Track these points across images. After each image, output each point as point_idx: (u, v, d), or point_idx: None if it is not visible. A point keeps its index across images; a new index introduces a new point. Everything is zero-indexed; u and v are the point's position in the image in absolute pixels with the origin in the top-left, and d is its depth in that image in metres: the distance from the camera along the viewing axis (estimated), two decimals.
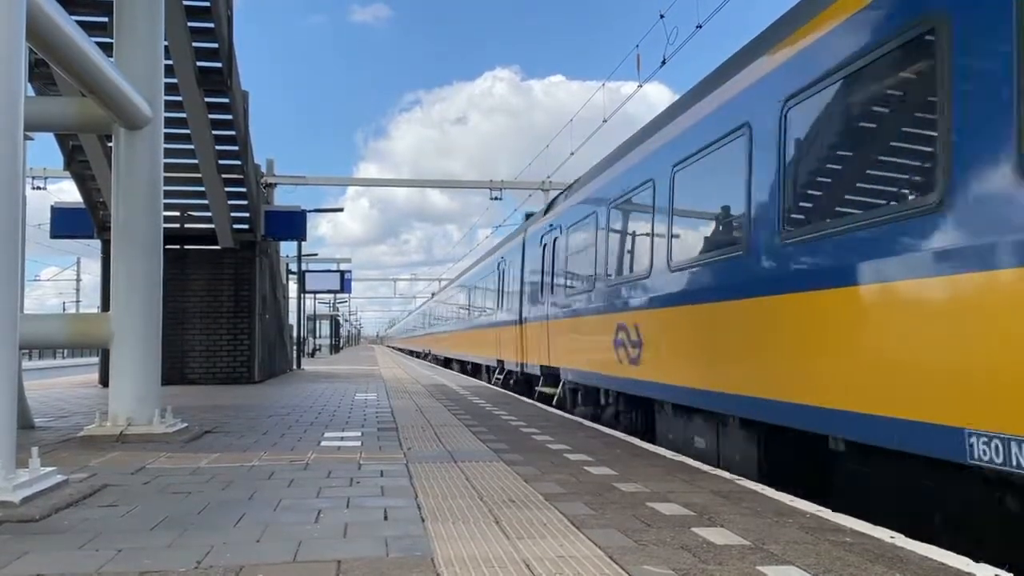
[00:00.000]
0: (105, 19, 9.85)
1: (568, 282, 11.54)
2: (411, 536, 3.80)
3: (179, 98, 11.44)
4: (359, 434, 7.82)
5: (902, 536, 3.88)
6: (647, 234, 8.21)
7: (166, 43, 9.23)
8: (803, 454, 5.66)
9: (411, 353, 57.07)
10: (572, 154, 22.40)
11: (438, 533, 3.86)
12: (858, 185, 5.11)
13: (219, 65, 11.58)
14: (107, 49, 7.56)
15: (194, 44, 11.18)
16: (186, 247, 15.80)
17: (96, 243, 15.99)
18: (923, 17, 4.30)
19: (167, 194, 10.00)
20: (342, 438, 7.52)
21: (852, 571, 3.27)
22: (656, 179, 8.02)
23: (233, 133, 13.20)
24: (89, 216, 15.04)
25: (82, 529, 3.96)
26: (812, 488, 5.44)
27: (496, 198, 28.40)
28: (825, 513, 4.39)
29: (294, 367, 24.71)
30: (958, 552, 3.60)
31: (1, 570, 3.25)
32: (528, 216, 16.43)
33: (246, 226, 15.99)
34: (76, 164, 13.75)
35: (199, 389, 14.28)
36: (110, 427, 7.37)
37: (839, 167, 5.34)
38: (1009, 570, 3.37)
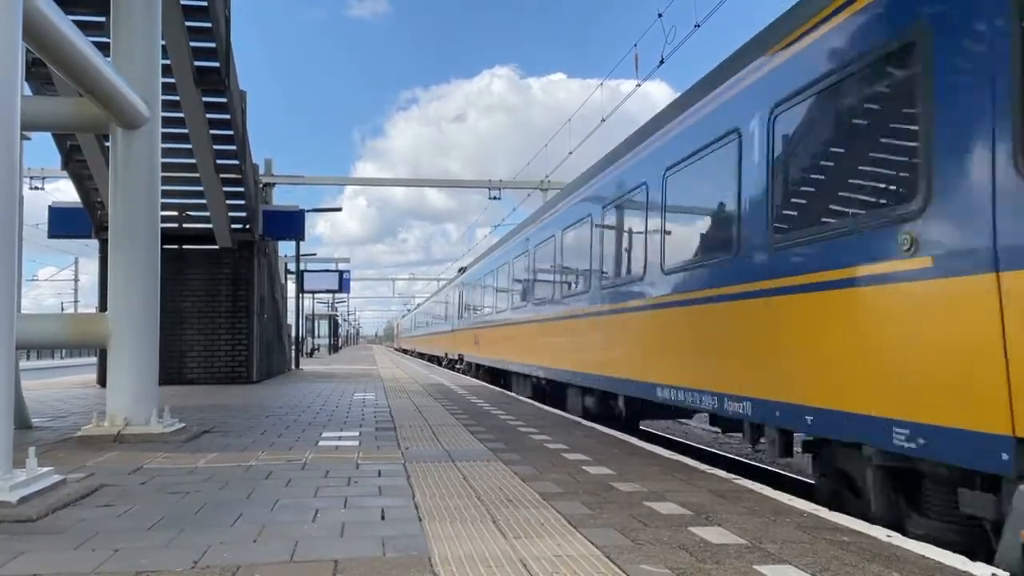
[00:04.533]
0: (102, 18, 9.82)
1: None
2: (408, 535, 3.80)
3: (176, 98, 11.42)
4: (357, 434, 7.82)
5: (898, 535, 3.89)
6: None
7: (163, 42, 9.21)
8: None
9: (403, 351, 59.41)
10: (571, 153, 22.40)
11: (435, 532, 3.86)
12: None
13: (216, 64, 11.56)
14: (104, 48, 7.54)
15: (191, 43, 11.16)
16: (184, 247, 15.77)
17: (94, 243, 15.97)
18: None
19: (165, 194, 10.00)
20: (340, 438, 7.52)
21: (849, 570, 3.27)
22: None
23: (231, 133, 13.17)
24: (87, 216, 15.03)
25: (79, 529, 3.96)
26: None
27: (495, 198, 28.41)
28: (822, 512, 4.39)
29: (292, 367, 24.69)
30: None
31: None
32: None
33: (244, 226, 15.98)
34: (74, 164, 13.73)
35: (197, 389, 14.27)
36: (108, 427, 7.36)
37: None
38: (1005, 570, 3.38)
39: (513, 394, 14.09)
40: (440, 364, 31.60)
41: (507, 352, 16.13)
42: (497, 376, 18.90)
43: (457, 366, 25.93)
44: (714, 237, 6.81)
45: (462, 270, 28.22)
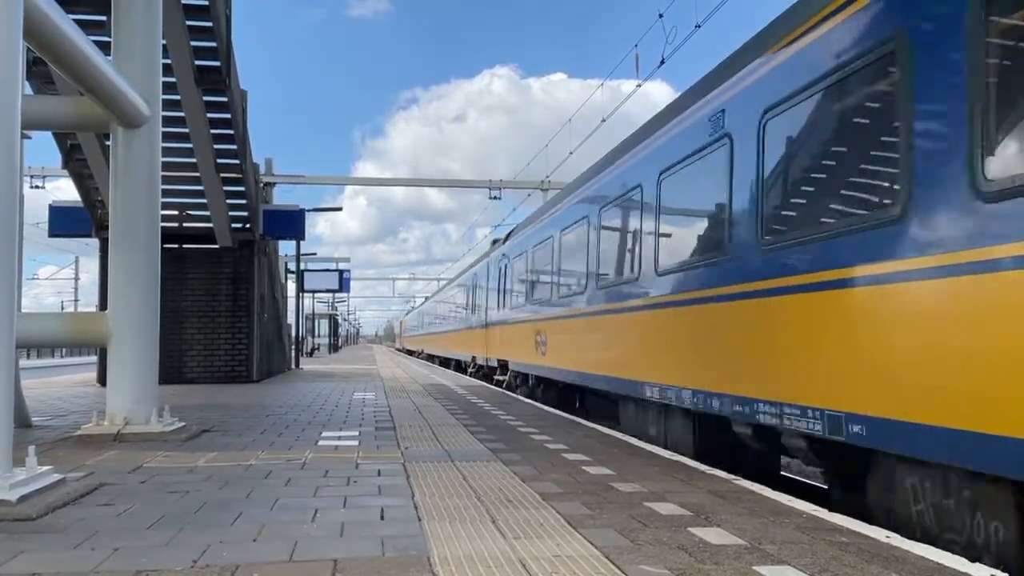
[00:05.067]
0: (103, 18, 9.83)
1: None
2: (408, 535, 3.80)
3: (177, 97, 11.42)
4: (356, 433, 7.82)
5: (898, 536, 3.89)
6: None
7: (164, 42, 9.21)
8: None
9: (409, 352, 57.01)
10: (571, 153, 22.38)
11: (434, 532, 3.86)
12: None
13: (217, 64, 11.56)
14: (105, 48, 7.55)
15: (192, 43, 11.16)
16: (184, 246, 15.78)
17: (94, 242, 15.98)
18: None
19: (165, 193, 10.00)
20: (339, 437, 7.52)
21: (848, 571, 3.27)
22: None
23: (231, 132, 13.18)
24: (87, 215, 15.04)
25: (79, 528, 3.96)
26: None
27: (495, 197, 28.43)
28: (821, 513, 4.39)
29: (292, 366, 24.69)
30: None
31: None
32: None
33: (244, 225, 15.99)
34: (74, 163, 13.74)
35: (197, 388, 14.27)
36: (107, 426, 7.37)
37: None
38: (1004, 570, 3.38)
39: (518, 396, 14.03)
40: (464, 371, 23.14)
41: (625, 360, 8.65)
42: (576, 399, 12.02)
43: (497, 377, 17.29)
44: None
45: (500, 242, 19.61)
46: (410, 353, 54.34)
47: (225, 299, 15.92)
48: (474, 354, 21.22)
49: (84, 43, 6.32)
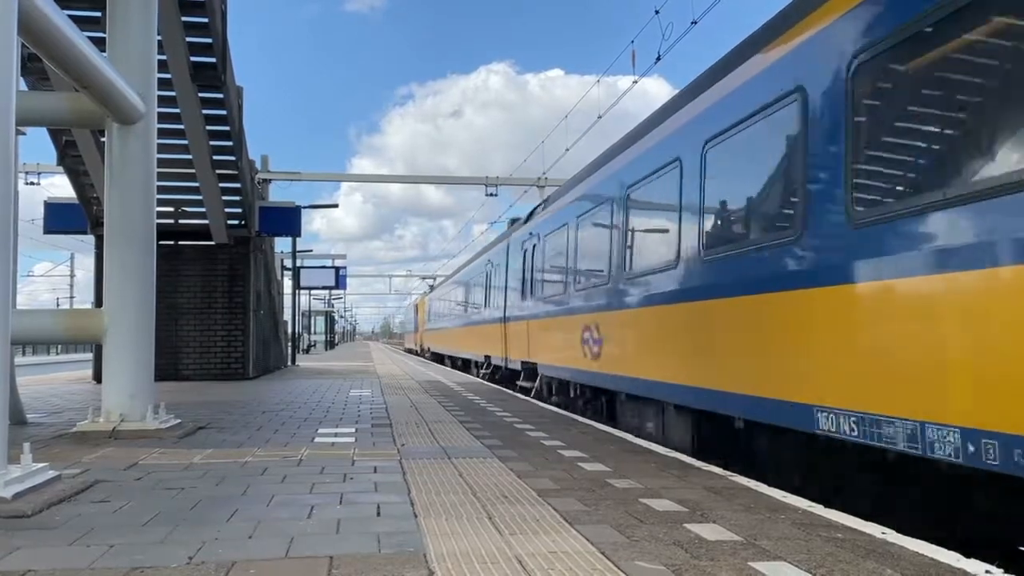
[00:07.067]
0: (99, 14, 9.79)
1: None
2: (404, 532, 3.80)
3: (173, 93, 11.39)
4: (353, 430, 7.82)
5: (893, 532, 3.90)
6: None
7: (159, 38, 9.18)
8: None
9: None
10: (567, 150, 22.37)
11: (431, 529, 3.86)
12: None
13: (213, 60, 11.52)
14: (100, 44, 7.52)
15: (188, 39, 11.12)
16: (180, 243, 15.75)
17: (90, 238, 15.94)
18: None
19: (160, 189, 9.98)
20: (336, 434, 7.52)
21: (844, 567, 3.28)
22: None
23: (227, 128, 13.14)
24: (83, 211, 15.00)
25: (74, 525, 3.95)
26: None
27: (491, 194, 28.42)
28: (817, 509, 4.40)
29: (289, 363, 24.67)
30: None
31: None
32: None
33: (240, 222, 15.95)
34: (69, 159, 13.69)
35: (193, 385, 14.25)
36: (103, 423, 7.36)
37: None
38: (999, 566, 3.39)
39: (509, 391, 14.04)
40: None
41: None
42: None
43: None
44: None
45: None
46: (438, 359, 31.63)
47: (221, 296, 15.90)
48: None
49: (79, 39, 6.29)
